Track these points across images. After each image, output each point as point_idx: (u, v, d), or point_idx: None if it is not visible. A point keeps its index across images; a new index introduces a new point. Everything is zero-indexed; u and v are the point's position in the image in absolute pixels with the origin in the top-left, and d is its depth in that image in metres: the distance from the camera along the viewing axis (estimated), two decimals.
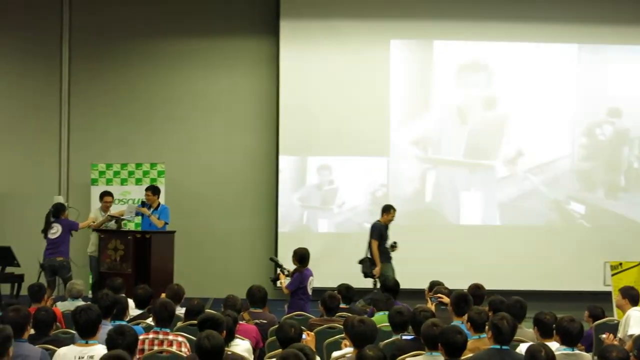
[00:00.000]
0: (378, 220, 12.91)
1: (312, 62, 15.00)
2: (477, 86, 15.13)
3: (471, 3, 15.08)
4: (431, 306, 8.60)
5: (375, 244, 12.67)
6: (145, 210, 12.76)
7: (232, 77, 15.41)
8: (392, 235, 12.89)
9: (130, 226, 13.65)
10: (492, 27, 15.17)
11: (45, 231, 12.44)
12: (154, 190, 12.98)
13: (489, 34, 15.19)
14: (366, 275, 12.60)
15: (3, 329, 5.90)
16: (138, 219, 13.35)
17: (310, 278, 10.64)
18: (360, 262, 12.64)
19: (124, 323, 7.42)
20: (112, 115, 15.32)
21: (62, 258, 12.37)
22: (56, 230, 12.39)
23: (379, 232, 12.77)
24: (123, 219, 12.99)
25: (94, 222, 12.86)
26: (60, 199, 13.93)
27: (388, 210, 13.04)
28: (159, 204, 12.92)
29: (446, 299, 8.57)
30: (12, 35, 15.48)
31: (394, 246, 12.72)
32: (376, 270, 12.51)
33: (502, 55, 15.25)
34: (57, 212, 12.51)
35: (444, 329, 6.19)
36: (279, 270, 11.03)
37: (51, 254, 12.38)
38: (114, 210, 13.15)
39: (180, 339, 7.06)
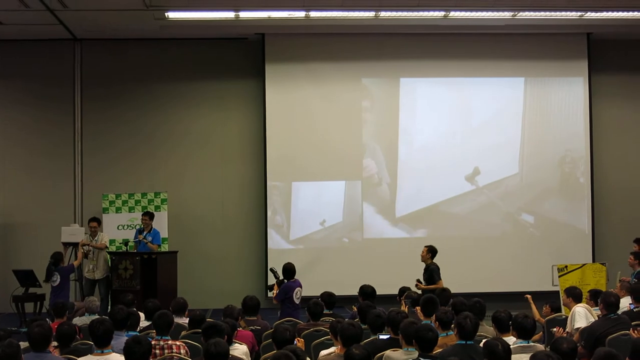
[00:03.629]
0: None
1: (293, 100, 15.05)
2: (438, 116, 15.21)
3: (433, 45, 15.13)
4: (404, 309, 8.59)
5: None
6: (141, 238, 12.84)
7: (225, 115, 15.41)
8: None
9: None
10: (451, 66, 15.26)
11: (47, 280, 12.37)
12: (150, 215, 13.19)
13: (449, 72, 15.27)
14: None
15: (11, 343, 5.80)
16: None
17: (297, 289, 10.52)
18: None
19: (137, 334, 7.38)
20: (120, 151, 15.20)
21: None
22: (56, 278, 12.31)
23: None
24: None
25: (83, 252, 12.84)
26: (76, 226, 13.79)
27: None
28: (152, 227, 13.03)
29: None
30: (28, 80, 15.28)
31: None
32: None
33: (460, 88, 15.32)
34: (56, 262, 12.42)
35: (418, 327, 6.18)
36: (275, 280, 10.86)
37: (55, 299, 12.16)
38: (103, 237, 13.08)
39: (178, 343, 7.11)
